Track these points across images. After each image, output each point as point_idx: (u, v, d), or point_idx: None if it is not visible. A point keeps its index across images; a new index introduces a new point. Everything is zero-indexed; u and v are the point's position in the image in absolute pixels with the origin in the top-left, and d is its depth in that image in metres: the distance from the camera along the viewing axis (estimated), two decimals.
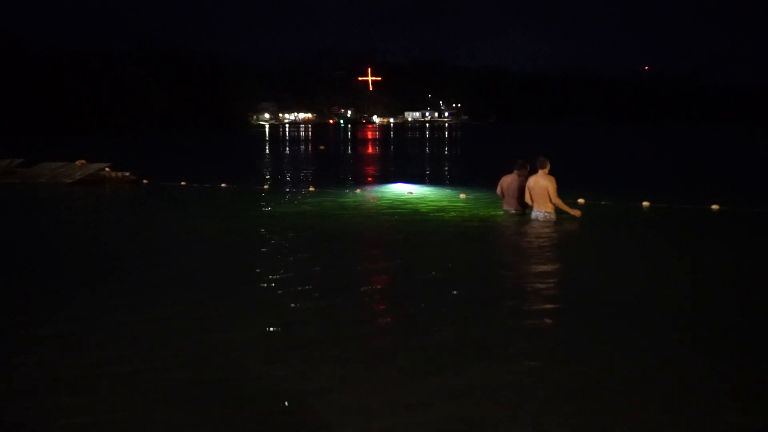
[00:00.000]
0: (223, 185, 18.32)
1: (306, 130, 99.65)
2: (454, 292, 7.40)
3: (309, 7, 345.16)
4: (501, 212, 13.16)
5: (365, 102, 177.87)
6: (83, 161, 20.43)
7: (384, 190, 17.78)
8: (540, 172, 12.18)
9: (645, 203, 14.09)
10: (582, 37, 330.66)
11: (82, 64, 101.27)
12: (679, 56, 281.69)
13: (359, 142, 59.45)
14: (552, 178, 12.03)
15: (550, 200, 11.99)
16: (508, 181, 13.17)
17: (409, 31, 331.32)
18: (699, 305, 6.95)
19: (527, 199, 12.37)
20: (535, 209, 12.18)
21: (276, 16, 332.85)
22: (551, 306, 6.91)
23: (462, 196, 15.73)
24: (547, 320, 6.45)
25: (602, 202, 14.33)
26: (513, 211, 12.91)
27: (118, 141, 46.55)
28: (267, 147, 49.23)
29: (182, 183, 18.77)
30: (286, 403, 4.59)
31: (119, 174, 19.87)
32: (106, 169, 20.09)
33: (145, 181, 19.43)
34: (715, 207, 13.48)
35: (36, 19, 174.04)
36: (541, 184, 12.03)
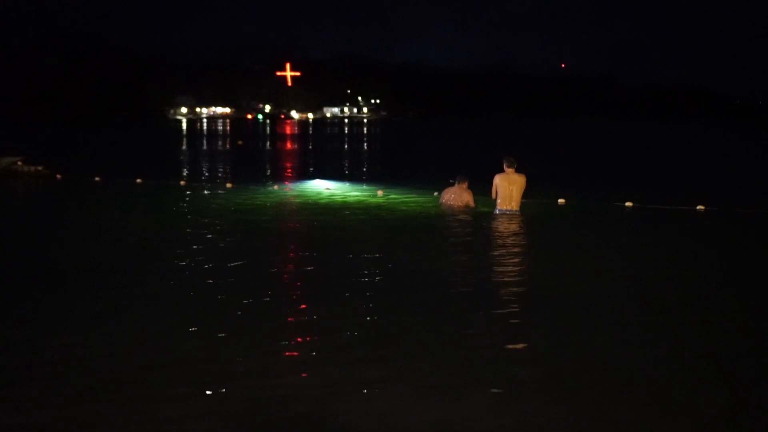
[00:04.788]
0: (138, 181, 18.19)
1: (224, 125, 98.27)
2: (381, 282, 7.86)
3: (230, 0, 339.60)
4: (419, 208, 13.71)
5: (284, 97, 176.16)
6: None
7: (302, 186, 18.04)
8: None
9: (560, 200, 14.62)
10: (502, 36, 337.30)
11: None
12: (598, 54, 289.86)
13: (278, 137, 59.26)
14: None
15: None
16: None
17: (331, 26, 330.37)
18: (580, 293, 7.62)
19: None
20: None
21: (196, 7, 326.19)
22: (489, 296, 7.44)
23: (379, 193, 16.13)
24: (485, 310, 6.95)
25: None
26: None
27: (31, 133, 45.12)
28: (184, 142, 48.59)
29: (97, 178, 18.52)
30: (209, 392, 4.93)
31: (32, 168, 19.43)
32: (19, 162, 19.62)
33: (59, 176, 19.10)
34: (628, 204, 14.13)
35: None
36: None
